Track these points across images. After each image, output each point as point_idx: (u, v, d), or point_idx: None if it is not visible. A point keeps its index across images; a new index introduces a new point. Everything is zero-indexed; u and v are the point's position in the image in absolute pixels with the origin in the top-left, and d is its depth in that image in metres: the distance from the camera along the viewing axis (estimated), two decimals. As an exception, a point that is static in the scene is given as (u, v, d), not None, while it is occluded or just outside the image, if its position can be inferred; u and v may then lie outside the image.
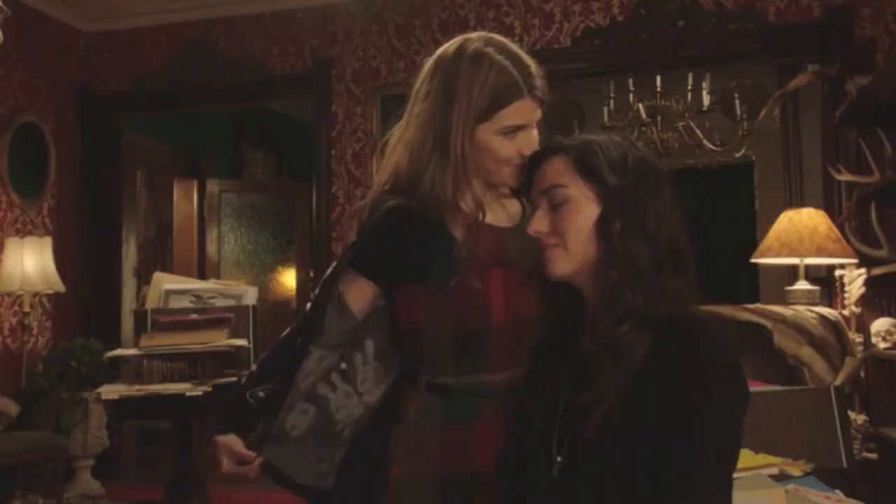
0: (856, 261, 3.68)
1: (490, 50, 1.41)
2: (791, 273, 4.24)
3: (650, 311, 1.15)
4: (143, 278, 5.61)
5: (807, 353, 3.30)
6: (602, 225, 1.21)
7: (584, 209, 1.22)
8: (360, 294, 1.48)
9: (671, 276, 1.18)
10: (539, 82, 1.40)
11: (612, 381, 1.13)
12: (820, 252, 3.60)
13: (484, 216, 1.41)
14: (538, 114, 1.42)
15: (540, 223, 1.25)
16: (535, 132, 1.41)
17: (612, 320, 1.17)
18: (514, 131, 1.39)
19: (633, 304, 1.16)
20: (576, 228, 1.22)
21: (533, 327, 1.35)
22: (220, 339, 3.32)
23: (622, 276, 1.17)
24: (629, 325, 1.15)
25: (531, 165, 1.33)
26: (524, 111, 1.39)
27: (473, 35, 1.46)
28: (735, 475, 1.14)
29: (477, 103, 1.38)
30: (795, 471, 1.83)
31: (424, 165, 1.41)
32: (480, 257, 1.37)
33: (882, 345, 3.44)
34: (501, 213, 1.46)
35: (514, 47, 1.44)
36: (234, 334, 3.40)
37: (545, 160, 1.28)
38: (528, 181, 1.33)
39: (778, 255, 3.70)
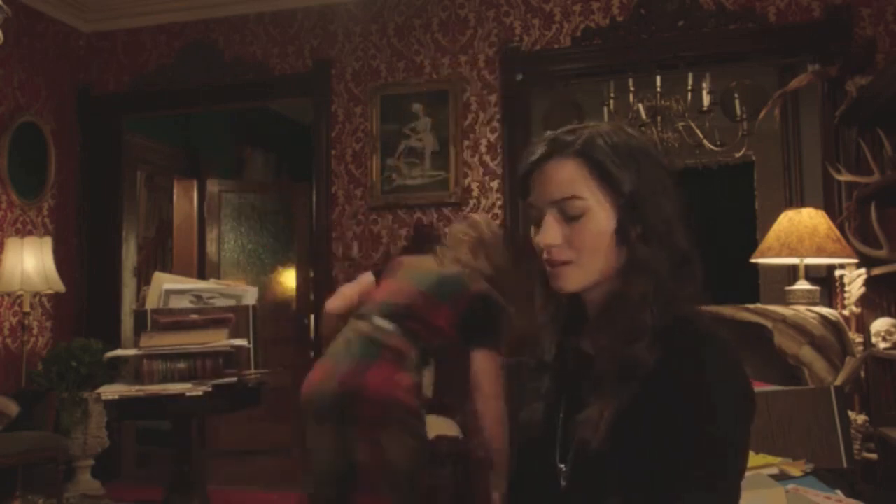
0: (856, 261, 3.68)
1: None
2: (791, 273, 4.24)
3: (662, 321, 1.10)
4: (143, 278, 5.61)
5: (807, 353, 3.30)
6: (621, 233, 1.11)
7: (603, 220, 1.12)
8: None
9: (683, 280, 1.12)
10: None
11: (616, 396, 1.08)
12: (820, 252, 3.59)
13: None
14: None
15: (553, 236, 1.13)
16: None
17: (625, 342, 1.10)
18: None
19: (650, 320, 1.09)
20: (595, 243, 1.12)
21: None
22: (220, 339, 3.32)
23: (646, 288, 1.09)
24: (643, 343, 1.09)
25: (530, 167, 1.18)
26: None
27: None
28: (736, 476, 1.13)
29: None
30: (795, 471, 1.83)
31: None
32: None
33: (882, 345, 3.44)
34: None
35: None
36: (234, 334, 3.40)
37: (550, 162, 1.14)
38: (526, 184, 1.19)
39: (778, 255, 3.70)
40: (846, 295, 3.79)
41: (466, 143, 4.70)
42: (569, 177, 1.13)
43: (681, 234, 1.14)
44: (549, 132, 1.18)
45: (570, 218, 1.12)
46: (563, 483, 1.14)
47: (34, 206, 5.02)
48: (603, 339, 1.13)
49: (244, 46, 5.15)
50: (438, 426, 3.91)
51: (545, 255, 1.15)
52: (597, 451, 1.08)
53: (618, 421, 1.08)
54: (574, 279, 1.14)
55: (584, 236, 1.12)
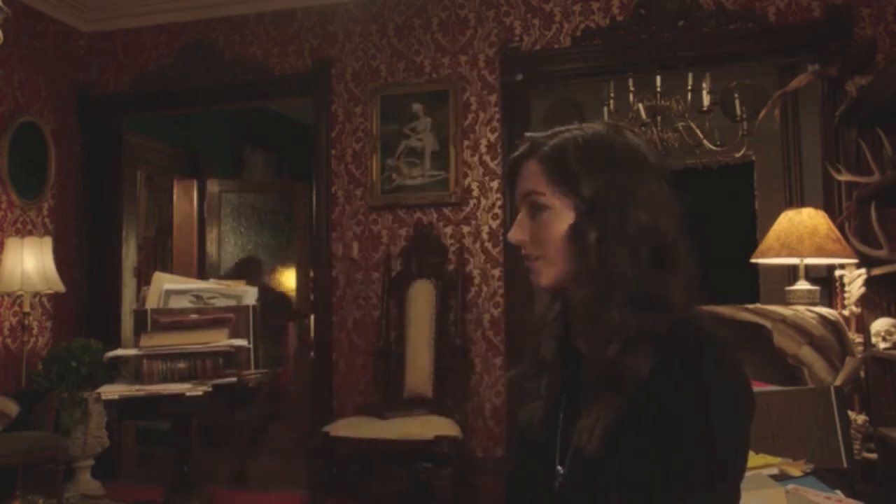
0: (856, 261, 3.68)
1: None
2: (791, 273, 4.24)
3: (645, 325, 1.09)
4: (143, 278, 5.62)
5: (807, 353, 3.30)
6: (575, 236, 1.13)
7: (563, 218, 1.14)
8: None
9: (665, 279, 1.11)
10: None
11: (611, 405, 1.08)
12: (820, 252, 3.59)
13: None
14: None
15: (519, 231, 1.18)
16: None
17: (598, 343, 1.11)
18: None
19: (620, 323, 1.09)
20: (554, 238, 1.14)
21: None
22: (220, 339, 3.32)
23: (601, 292, 1.10)
24: (618, 346, 1.09)
25: (512, 166, 1.23)
26: None
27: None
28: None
29: None
30: (795, 471, 1.83)
31: None
32: None
33: (882, 345, 3.44)
34: None
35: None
36: (234, 334, 3.40)
37: (522, 163, 1.19)
38: (511, 182, 1.24)
39: (778, 255, 3.70)
40: (846, 295, 3.79)
41: (466, 143, 4.70)
42: (532, 176, 1.17)
43: (666, 233, 1.13)
44: (528, 133, 1.23)
45: (535, 212, 1.17)
46: (559, 484, 1.14)
47: (34, 206, 5.02)
48: (583, 341, 1.15)
49: (244, 46, 5.15)
50: (438, 426, 3.92)
51: (522, 252, 1.19)
52: (592, 457, 1.08)
53: (616, 422, 1.08)
54: (545, 275, 1.17)
55: (545, 232, 1.16)
